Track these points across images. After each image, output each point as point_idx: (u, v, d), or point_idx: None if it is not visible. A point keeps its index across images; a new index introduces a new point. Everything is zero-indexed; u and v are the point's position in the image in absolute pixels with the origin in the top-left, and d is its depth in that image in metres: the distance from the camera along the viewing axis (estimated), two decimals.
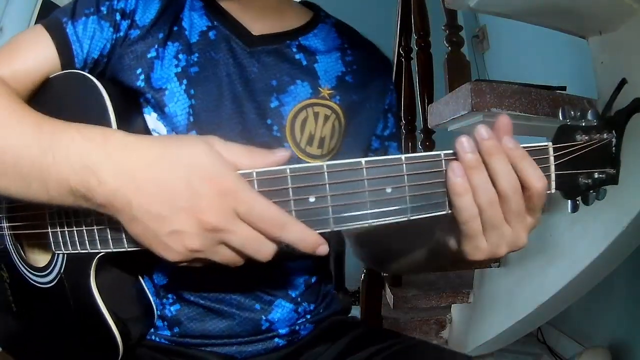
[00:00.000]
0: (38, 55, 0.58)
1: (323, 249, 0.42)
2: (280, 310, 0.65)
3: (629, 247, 1.19)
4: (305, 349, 0.66)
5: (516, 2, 1.12)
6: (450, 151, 0.44)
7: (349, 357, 0.63)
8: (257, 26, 0.65)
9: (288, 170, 0.42)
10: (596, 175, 0.47)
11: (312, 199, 0.42)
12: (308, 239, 0.41)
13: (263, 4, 0.66)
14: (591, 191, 0.48)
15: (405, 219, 0.44)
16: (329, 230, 0.43)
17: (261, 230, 0.41)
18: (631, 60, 1.06)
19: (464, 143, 0.42)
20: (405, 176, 0.43)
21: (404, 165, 0.43)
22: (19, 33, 0.60)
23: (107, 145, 0.41)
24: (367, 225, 0.43)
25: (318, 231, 0.42)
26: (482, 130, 0.42)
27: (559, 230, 1.32)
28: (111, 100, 0.53)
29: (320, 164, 0.42)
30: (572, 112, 0.47)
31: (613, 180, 0.48)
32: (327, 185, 0.42)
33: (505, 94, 1.10)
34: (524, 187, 0.43)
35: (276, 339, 0.65)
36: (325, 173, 0.42)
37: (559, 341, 2.07)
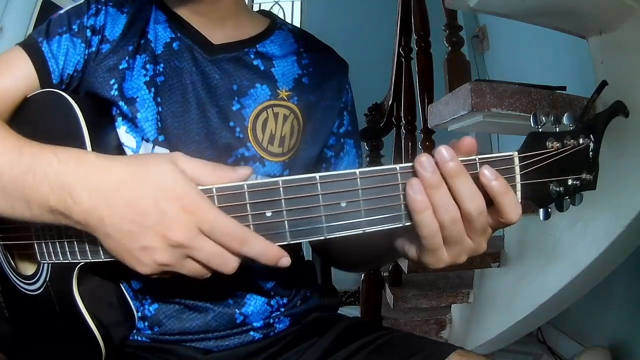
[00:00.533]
0: (17, 74, 0.62)
1: (284, 261, 0.44)
2: (253, 304, 0.67)
3: (629, 247, 1.19)
4: (285, 346, 0.68)
5: (516, 2, 1.12)
6: (406, 164, 0.44)
7: (333, 355, 0.65)
8: (217, 36, 0.69)
9: (245, 187, 0.44)
10: (570, 182, 0.45)
11: (268, 214, 0.44)
12: (269, 253, 0.43)
13: (222, 15, 0.70)
14: (566, 197, 0.46)
15: (361, 232, 0.44)
16: (285, 243, 0.45)
17: (224, 246, 0.43)
18: (631, 60, 1.07)
19: (423, 162, 0.41)
20: (360, 190, 0.43)
21: (358, 179, 0.43)
22: None
23: (80, 168, 0.44)
24: (322, 238, 0.44)
25: (276, 244, 0.44)
26: (444, 152, 0.41)
27: (559, 230, 1.32)
28: (84, 117, 0.56)
29: (276, 179, 0.43)
30: (544, 118, 0.45)
31: (590, 185, 0.46)
32: (283, 200, 0.43)
33: (505, 94, 1.10)
34: (498, 214, 0.43)
35: (251, 332, 0.67)
36: (281, 188, 0.43)
37: (559, 341, 2.07)
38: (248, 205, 0.44)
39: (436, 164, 0.42)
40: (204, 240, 0.43)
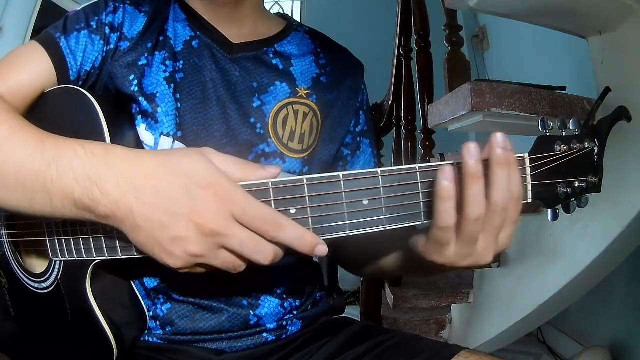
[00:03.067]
0: (35, 70, 0.61)
1: (321, 249, 0.43)
2: (267, 305, 0.67)
3: (629, 247, 1.19)
4: (296, 348, 0.68)
5: (516, 2, 1.12)
6: (426, 164, 0.45)
7: (342, 356, 0.65)
8: (236, 35, 0.70)
9: (270, 184, 0.44)
10: (577, 184, 0.47)
11: (292, 211, 0.44)
12: (305, 239, 0.42)
13: (241, 15, 0.71)
14: (572, 199, 0.48)
15: (382, 229, 0.45)
16: None
17: (258, 231, 0.42)
18: (631, 60, 1.07)
19: (472, 149, 0.41)
20: (381, 188, 0.44)
21: (380, 178, 0.44)
22: (14, 49, 0.63)
23: (109, 159, 0.43)
24: (345, 235, 0.45)
25: None
26: (500, 139, 0.41)
27: (558, 230, 1.32)
28: (104, 114, 0.55)
29: (301, 177, 0.44)
30: (552, 123, 0.47)
31: (595, 188, 0.48)
32: (307, 198, 0.44)
33: (505, 94, 1.10)
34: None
35: (264, 334, 0.67)
36: (305, 186, 0.44)
37: (559, 341, 2.07)
38: (273, 202, 0.44)
39: (492, 148, 0.41)
40: (237, 226, 0.41)
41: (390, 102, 2.07)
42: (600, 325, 1.84)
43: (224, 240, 0.42)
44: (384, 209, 0.45)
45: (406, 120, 1.87)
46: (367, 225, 0.45)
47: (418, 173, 0.45)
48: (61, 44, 0.62)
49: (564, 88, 1.22)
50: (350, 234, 0.45)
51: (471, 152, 0.41)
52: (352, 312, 2.07)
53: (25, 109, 0.60)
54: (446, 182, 0.41)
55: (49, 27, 0.64)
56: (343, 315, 0.81)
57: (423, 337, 0.69)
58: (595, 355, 1.64)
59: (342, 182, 0.44)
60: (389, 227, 0.45)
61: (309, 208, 0.44)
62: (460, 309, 1.80)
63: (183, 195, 0.41)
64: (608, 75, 1.12)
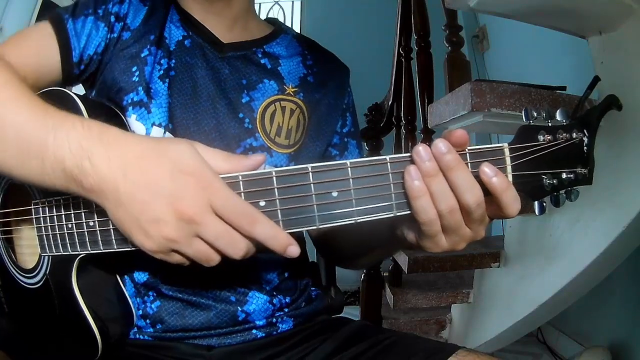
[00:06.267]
0: (42, 46, 0.65)
1: (293, 249, 0.44)
2: (255, 302, 0.68)
3: (629, 247, 1.19)
4: (289, 345, 0.68)
5: (516, 2, 1.12)
6: (396, 155, 0.44)
7: (339, 355, 0.65)
8: (226, 36, 0.73)
9: (240, 176, 0.45)
10: (564, 176, 0.46)
11: (262, 203, 0.44)
12: (278, 237, 0.43)
13: (233, 17, 0.74)
14: (561, 192, 0.46)
15: (352, 221, 0.45)
16: None
17: (233, 225, 0.43)
18: (631, 60, 1.07)
19: (420, 152, 0.42)
20: (351, 180, 0.44)
21: (349, 169, 0.44)
22: (27, 27, 0.67)
23: (104, 136, 0.45)
24: (315, 228, 0.45)
25: None
26: (441, 145, 0.42)
27: (559, 230, 1.32)
28: (88, 114, 0.56)
29: (270, 170, 0.44)
30: (536, 113, 0.45)
31: (586, 180, 0.46)
32: (276, 190, 0.44)
33: (505, 94, 1.10)
34: (497, 209, 0.44)
35: (254, 330, 0.68)
36: (274, 178, 0.44)
37: (559, 341, 2.07)
38: (242, 194, 0.44)
39: (434, 156, 0.43)
40: (214, 217, 0.43)
41: (390, 102, 2.07)
42: (600, 325, 1.84)
43: (199, 229, 0.43)
44: (353, 200, 0.44)
45: (406, 120, 1.86)
46: (337, 218, 0.45)
47: (388, 164, 0.44)
48: (68, 25, 0.66)
49: (564, 88, 1.22)
50: (320, 227, 0.45)
51: (421, 155, 0.43)
52: (352, 312, 2.07)
53: (31, 83, 0.62)
54: (415, 182, 0.43)
55: (62, 7, 0.68)
56: (342, 314, 0.81)
57: (421, 336, 0.70)
58: (595, 355, 1.64)
59: (310, 174, 0.44)
60: (360, 219, 0.45)
61: (278, 200, 0.44)
62: (460, 309, 1.80)
63: (167, 178, 0.43)
64: (608, 75, 1.12)
